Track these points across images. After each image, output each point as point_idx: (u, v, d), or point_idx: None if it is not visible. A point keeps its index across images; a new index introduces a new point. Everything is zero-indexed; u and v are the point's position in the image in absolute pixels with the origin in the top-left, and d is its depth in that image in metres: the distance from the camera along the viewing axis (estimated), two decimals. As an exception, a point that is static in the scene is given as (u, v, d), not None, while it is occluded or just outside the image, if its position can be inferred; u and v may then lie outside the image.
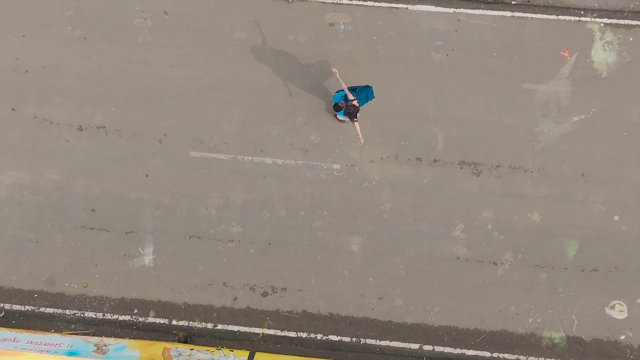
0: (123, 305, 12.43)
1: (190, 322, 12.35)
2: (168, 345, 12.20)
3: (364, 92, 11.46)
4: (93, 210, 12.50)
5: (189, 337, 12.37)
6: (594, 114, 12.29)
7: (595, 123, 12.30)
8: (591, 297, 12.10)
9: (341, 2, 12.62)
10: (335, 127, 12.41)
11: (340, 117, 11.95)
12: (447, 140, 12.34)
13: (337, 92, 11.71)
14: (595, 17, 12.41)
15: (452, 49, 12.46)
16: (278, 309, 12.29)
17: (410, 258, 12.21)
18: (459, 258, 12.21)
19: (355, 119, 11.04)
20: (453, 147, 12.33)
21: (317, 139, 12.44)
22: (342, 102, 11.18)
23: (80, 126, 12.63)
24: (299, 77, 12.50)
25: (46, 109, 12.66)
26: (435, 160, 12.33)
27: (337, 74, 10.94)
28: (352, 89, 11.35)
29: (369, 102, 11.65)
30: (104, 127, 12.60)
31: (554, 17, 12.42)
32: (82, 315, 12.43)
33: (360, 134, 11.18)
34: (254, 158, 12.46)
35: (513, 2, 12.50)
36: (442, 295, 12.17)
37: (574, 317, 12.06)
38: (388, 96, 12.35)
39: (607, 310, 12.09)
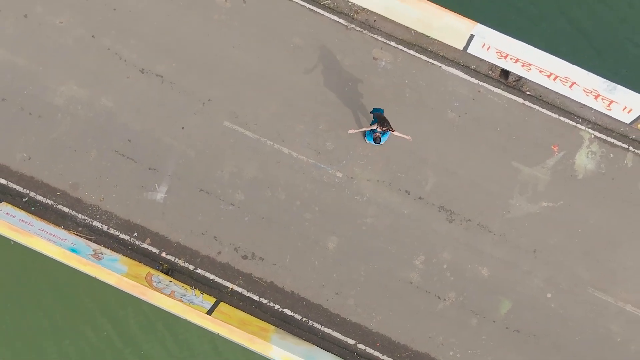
0: (126, 226, 14.47)
1: (176, 259, 14.39)
2: (152, 271, 14.23)
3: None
4: (129, 140, 14.57)
5: (170, 271, 14.41)
6: (561, 205, 14.40)
7: (560, 213, 14.40)
8: (506, 352, 14.18)
9: (389, 43, 14.73)
10: (348, 143, 14.49)
11: (372, 142, 13.87)
12: (436, 185, 14.44)
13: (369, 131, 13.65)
14: (589, 128, 14.55)
15: (466, 113, 14.58)
16: (251, 273, 14.35)
17: (373, 269, 14.29)
18: (411, 283, 14.29)
19: (392, 130, 13.12)
20: (438, 192, 14.43)
21: (331, 147, 14.53)
22: (377, 133, 13.28)
23: (143, 69, 14.71)
24: (334, 91, 14.60)
25: (120, 45, 14.75)
26: (420, 198, 14.43)
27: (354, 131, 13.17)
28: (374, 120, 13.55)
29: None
30: (162, 76, 14.69)
31: (556, 116, 14.56)
32: (90, 222, 14.47)
33: (404, 135, 13.28)
34: (274, 144, 14.54)
35: (527, 93, 14.63)
36: (387, 308, 14.24)
37: (486, 364, 14.17)
38: (401, 130, 14.43)
39: (516, 367, 14.18)
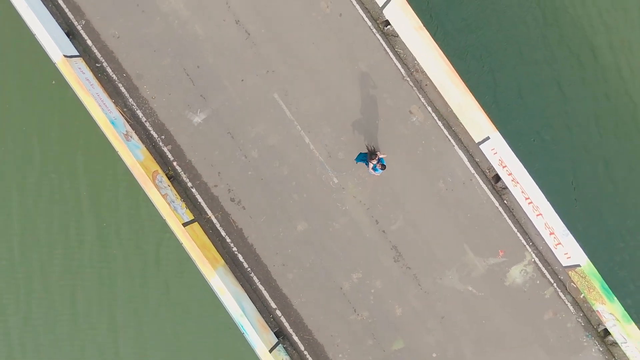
0: (160, 127, 17.30)
1: (182, 172, 17.24)
2: (160, 171, 17.07)
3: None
4: (198, 67, 17.39)
5: (173, 178, 17.26)
6: (481, 296, 17.33)
7: (477, 301, 17.33)
8: (380, 378, 17.13)
9: (427, 107, 17.58)
10: (358, 164, 17.33)
11: (373, 168, 16.70)
12: (400, 228, 17.33)
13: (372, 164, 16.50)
14: (533, 253, 17.46)
15: (452, 190, 17.46)
16: (230, 214, 17.23)
17: (319, 263, 17.18)
18: (341, 289, 17.21)
19: (380, 154, 16.12)
20: (399, 235, 17.32)
21: (341, 157, 17.36)
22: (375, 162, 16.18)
23: (238, 21, 17.51)
24: (366, 117, 17.43)
25: (232, -6, 17.58)
26: (383, 231, 17.33)
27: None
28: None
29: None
30: (249, 34, 17.48)
31: (515, 230, 17.45)
32: (135, 109, 17.29)
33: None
34: (301, 131, 17.37)
35: (505, 201, 17.54)
36: (313, 297, 17.15)
37: (361, 378, 17.11)
38: (398, 174, 17.32)
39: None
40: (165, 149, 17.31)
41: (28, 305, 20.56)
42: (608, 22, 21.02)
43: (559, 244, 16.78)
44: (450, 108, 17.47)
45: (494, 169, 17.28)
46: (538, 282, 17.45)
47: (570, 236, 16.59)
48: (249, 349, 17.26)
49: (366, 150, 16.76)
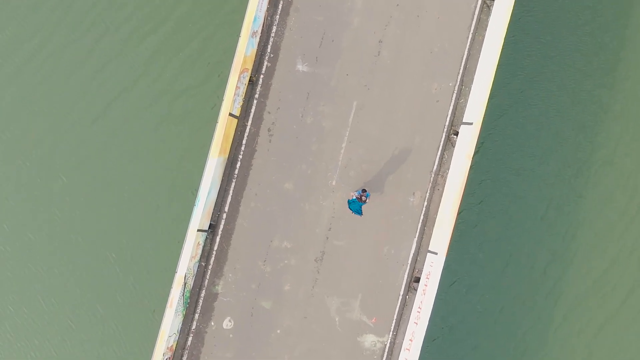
0: (276, 48, 21.83)
1: (259, 87, 21.77)
2: (249, 70, 21.56)
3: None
4: (332, 40, 21.82)
5: (251, 82, 21.76)
6: (337, 330, 21.83)
7: (332, 331, 21.83)
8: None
9: (425, 201, 21.93)
10: (360, 184, 21.74)
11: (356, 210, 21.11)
12: (336, 248, 21.82)
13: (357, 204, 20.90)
14: (391, 338, 21.90)
15: (390, 257, 21.88)
16: (258, 137, 21.77)
17: (275, 213, 21.70)
18: (271, 242, 21.74)
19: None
20: (333, 253, 21.82)
21: (352, 174, 21.79)
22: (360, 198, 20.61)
23: (381, 41, 21.93)
24: (386, 172, 21.81)
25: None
26: (327, 238, 21.82)
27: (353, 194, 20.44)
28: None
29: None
30: (379, 54, 21.85)
31: (396, 314, 21.90)
32: (274, 23, 21.81)
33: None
34: (345, 137, 21.74)
35: (407, 294, 21.96)
36: (253, 229, 21.72)
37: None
38: (365, 219, 21.72)
39: None
40: (265, 63, 21.82)
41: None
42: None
43: (408, 349, 21.22)
44: (436, 216, 21.80)
45: (421, 272, 21.66)
46: (375, 357, 21.94)
47: (417, 353, 21.01)
48: (187, 217, 21.69)
49: (358, 195, 20.85)
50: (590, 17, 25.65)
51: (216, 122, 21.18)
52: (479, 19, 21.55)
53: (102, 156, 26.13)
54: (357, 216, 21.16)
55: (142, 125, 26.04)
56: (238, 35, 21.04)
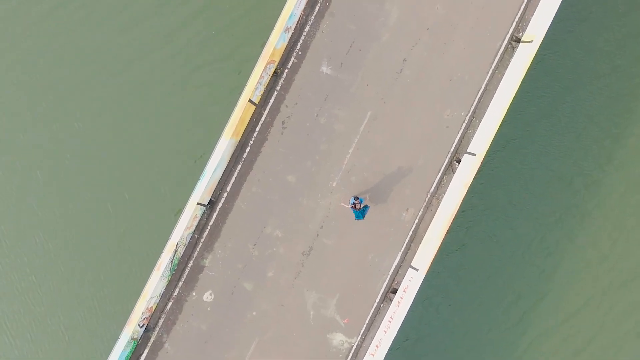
0: (305, 47, 22.72)
1: (282, 80, 22.68)
2: (276, 63, 22.46)
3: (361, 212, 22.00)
4: (359, 50, 22.72)
5: (275, 74, 22.67)
6: (309, 323, 22.77)
7: (304, 320, 22.77)
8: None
9: (416, 219, 22.85)
10: (359, 189, 22.67)
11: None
12: (322, 246, 22.76)
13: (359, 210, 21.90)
14: (359, 341, 22.85)
15: (373, 264, 22.82)
16: (271, 127, 22.68)
17: (274, 202, 22.63)
18: (264, 228, 22.68)
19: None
20: (320, 249, 22.75)
21: (353, 180, 22.69)
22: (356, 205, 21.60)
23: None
24: (385, 183, 22.74)
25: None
26: (317, 235, 22.74)
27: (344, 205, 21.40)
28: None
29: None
30: (401, 72, 22.77)
31: (368, 320, 22.84)
32: (307, 23, 22.69)
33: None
34: (355, 143, 22.64)
35: (383, 302, 22.91)
36: (250, 213, 22.65)
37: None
38: (358, 226, 22.65)
39: None
40: (292, 59, 22.74)
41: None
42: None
43: (373, 354, 22.17)
44: (424, 234, 22.72)
45: (399, 284, 22.61)
46: (340, 356, 22.90)
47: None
48: (189, 187, 22.68)
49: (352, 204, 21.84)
50: (610, 70, 26.64)
51: (235, 105, 22.12)
52: (501, 58, 22.43)
53: (118, 109, 27.37)
54: (359, 220, 22.16)
55: (161, 88, 27.24)
56: (272, 28, 22.00)
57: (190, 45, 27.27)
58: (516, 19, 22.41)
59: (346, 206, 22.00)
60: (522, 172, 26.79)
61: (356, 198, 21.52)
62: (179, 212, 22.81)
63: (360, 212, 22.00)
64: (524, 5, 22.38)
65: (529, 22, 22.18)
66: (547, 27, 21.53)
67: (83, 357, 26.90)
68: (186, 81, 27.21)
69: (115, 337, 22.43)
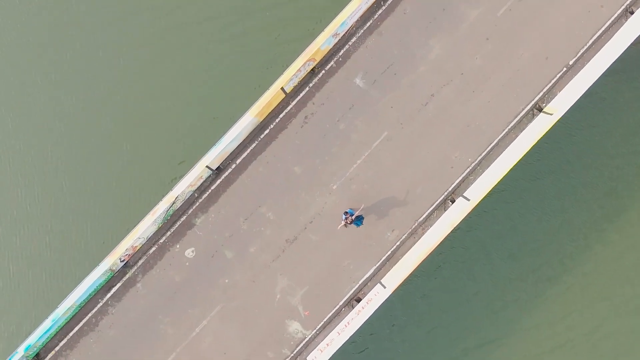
0: (345, 55, 24.18)
1: (317, 81, 24.13)
2: (316, 61, 23.90)
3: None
4: (395, 74, 24.14)
5: (312, 71, 24.10)
6: (272, 309, 24.20)
7: (270, 307, 24.19)
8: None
9: (399, 241, 24.25)
10: (355, 200, 24.07)
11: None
12: (303, 239, 24.19)
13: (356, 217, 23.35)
14: (313, 335, 24.24)
15: (348, 268, 24.22)
16: (294, 117, 24.13)
17: (279, 186, 24.09)
18: (261, 210, 24.13)
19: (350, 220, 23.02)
20: (304, 242, 24.19)
21: (353, 188, 24.11)
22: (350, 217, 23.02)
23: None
24: (379, 204, 24.15)
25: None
26: (305, 228, 24.17)
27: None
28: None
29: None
30: (428, 103, 24.19)
31: (327, 317, 24.24)
32: (354, 34, 24.13)
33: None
34: (363, 156, 24.04)
35: (346, 303, 24.31)
36: (259, 189, 24.13)
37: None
38: (338, 235, 24.07)
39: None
40: (332, 63, 24.19)
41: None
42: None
43: (321, 351, 23.55)
44: (401, 258, 24.04)
45: (364, 295, 23.96)
46: (291, 343, 24.31)
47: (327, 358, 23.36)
48: (206, 147, 24.18)
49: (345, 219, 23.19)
50: (618, 165, 28.11)
51: (267, 88, 23.60)
52: (520, 120, 23.80)
53: (153, 49, 29.49)
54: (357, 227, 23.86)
55: (199, 43, 29.38)
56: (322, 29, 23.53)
57: (240, 22, 29.37)
58: (544, 90, 23.76)
59: (342, 224, 23.23)
60: (505, 228, 28.29)
61: (346, 213, 22.89)
62: (181, 163, 24.53)
63: (356, 224, 23.41)
64: (555, 79, 23.72)
65: (556, 96, 23.51)
66: (570, 105, 22.92)
67: (61, 276, 28.56)
68: (226, 46, 29.03)
69: (94, 266, 23.94)
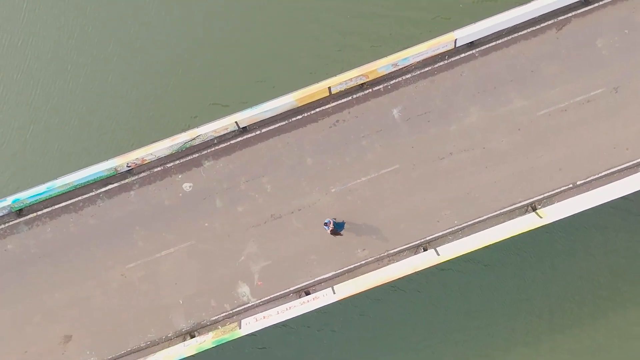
0: (394, 85, 26.29)
1: (366, 97, 26.24)
2: (368, 79, 26.00)
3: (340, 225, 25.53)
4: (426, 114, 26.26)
5: (365, 85, 26.19)
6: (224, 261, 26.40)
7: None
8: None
9: (370, 253, 26.39)
10: (352, 208, 26.15)
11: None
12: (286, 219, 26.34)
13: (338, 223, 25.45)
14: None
15: (315, 259, 26.36)
16: (333, 117, 26.23)
17: (287, 167, 26.22)
18: (264, 187, 26.28)
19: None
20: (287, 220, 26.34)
21: (347, 199, 26.18)
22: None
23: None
24: (364, 225, 26.25)
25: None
26: (292, 213, 26.31)
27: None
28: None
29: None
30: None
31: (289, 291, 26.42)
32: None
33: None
34: (367, 177, 26.13)
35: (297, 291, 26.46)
36: (270, 165, 26.28)
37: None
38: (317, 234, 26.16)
39: (191, 184, 26.35)
40: (380, 87, 26.30)
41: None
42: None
43: (256, 320, 25.63)
44: (360, 276, 26.08)
45: (314, 292, 26.03)
46: (234, 302, 26.44)
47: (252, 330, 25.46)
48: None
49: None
50: (622, 266, 28.91)
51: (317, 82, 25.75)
52: (512, 210, 25.75)
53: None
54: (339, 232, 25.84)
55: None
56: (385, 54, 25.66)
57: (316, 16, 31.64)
58: (546, 194, 25.76)
59: (327, 230, 25.30)
60: (474, 296, 29.17)
61: (325, 223, 24.95)
62: (212, 104, 27.52)
63: (337, 227, 25.45)
64: (558, 190, 25.71)
65: (552, 204, 25.49)
66: (560, 218, 24.89)
67: (69, 154, 30.92)
68: (310, 18, 31.70)
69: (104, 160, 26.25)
